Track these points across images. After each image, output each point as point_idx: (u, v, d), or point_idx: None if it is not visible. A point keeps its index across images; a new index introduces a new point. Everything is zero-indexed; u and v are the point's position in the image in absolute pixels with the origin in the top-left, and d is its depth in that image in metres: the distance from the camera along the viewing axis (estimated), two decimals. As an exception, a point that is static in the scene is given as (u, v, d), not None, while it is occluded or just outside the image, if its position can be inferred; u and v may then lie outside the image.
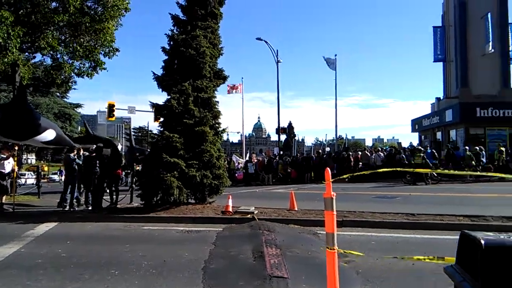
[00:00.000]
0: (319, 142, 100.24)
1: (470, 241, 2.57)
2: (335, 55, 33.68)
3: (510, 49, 27.83)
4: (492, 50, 25.98)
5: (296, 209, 10.27)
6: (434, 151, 20.72)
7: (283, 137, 44.95)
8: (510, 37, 27.80)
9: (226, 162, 14.09)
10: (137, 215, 9.97)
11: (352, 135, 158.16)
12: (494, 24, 26.17)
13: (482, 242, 2.39)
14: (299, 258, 5.94)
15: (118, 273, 5.28)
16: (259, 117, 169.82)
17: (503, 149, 20.49)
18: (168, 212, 10.08)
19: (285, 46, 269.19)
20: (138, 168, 15.42)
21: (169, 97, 11.31)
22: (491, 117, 24.41)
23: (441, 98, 31.19)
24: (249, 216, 9.31)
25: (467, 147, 21.09)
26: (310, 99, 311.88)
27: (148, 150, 13.39)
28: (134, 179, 13.43)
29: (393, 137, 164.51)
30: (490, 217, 8.25)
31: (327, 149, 40.03)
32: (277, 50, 29.51)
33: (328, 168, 4.19)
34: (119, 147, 13.28)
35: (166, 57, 11.98)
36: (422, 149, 20.34)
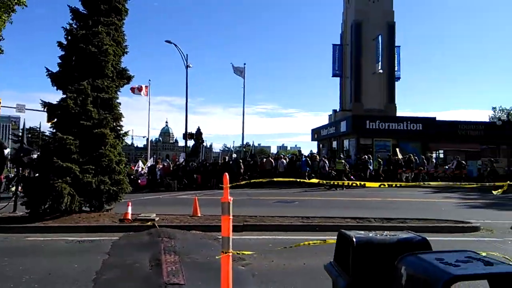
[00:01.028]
0: (226, 149, 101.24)
1: (345, 240, 2.85)
2: (244, 64, 34.55)
3: (396, 69, 31.60)
4: (381, 70, 29.17)
5: (199, 215, 10.23)
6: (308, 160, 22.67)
7: (191, 142, 44.50)
8: (396, 58, 31.56)
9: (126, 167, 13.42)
10: (21, 225, 8.96)
11: (259, 142, 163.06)
12: (384, 46, 29.45)
13: (354, 240, 2.66)
14: (198, 264, 5.93)
15: (-9, 291, 4.70)
16: (167, 122, 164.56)
17: (380, 160, 22.77)
18: (58, 221, 9.24)
19: (195, 51, 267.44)
20: (25, 173, 13.92)
21: (64, 96, 10.47)
22: (378, 129, 27.27)
23: (337, 110, 33.95)
24: (149, 223, 9.00)
25: (341, 156, 23.33)
26: (219, 106, 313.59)
27: (37, 152, 12.11)
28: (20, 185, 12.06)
29: (296, 145, 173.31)
30: (373, 219, 9.22)
31: (234, 155, 40.65)
32: (186, 55, 29.22)
33: (227, 174, 4.26)
34: (7, 150, 11.69)
35: (63, 53, 11.08)
36: (342, 157, 21.97)
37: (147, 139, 47.96)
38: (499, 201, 14.19)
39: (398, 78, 32.50)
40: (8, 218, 10.03)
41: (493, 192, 4.03)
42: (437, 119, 28.96)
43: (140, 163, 33.21)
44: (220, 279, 3.96)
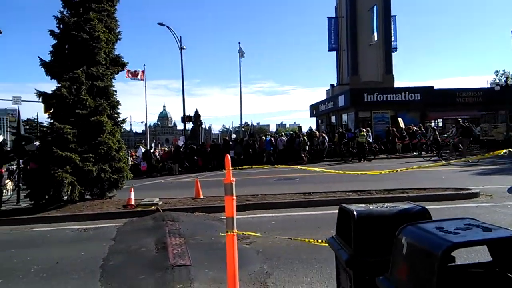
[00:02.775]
0: (226, 129, 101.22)
1: (346, 213, 2.87)
2: (239, 42, 34.19)
3: (393, 39, 31.18)
4: (376, 41, 28.78)
5: (201, 197, 10.31)
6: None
7: (189, 125, 44.40)
8: (392, 28, 31.10)
9: (127, 153, 13.43)
10: (26, 216, 9.03)
11: (258, 121, 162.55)
12: (379, 16, 28.97)
13: (355, 213, 2.68)
14: (203, 244, 6.01)
15: (1, 282, 4.77)
16: (164, 106, 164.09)
17: (364, 133, 21.87)
18: (61, 210, 9.32)
19: (189, 33, 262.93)
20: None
21: (59, 85, 10.40)
22: (376, 101, 27.15)
23: (335, 84, 33.73)
24: (152, 208, 9.08)
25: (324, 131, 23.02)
26: (216, 87, 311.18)
27: (35, 140, 12.06)
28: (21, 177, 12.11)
29: (295, 122, 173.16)
30: (374, 191, 9.29)
31: (233, 135, 40.68)
32: (180, 37, 28.80)
33: (228, 155, 4.27)
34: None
35: (55, 42, 10.95)
36: (364, 129, 21.67)
37: (146, 124, 47.84)
38: (499, 166, 14.28)
39: (395, 49, 32.13)
40: (12, 210, 10.15)
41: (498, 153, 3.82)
42: (435, 87, 28.81)
43: (141, 148, 33.20)
44: (225, 258, 4.02)
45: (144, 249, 5.87)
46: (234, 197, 3.93)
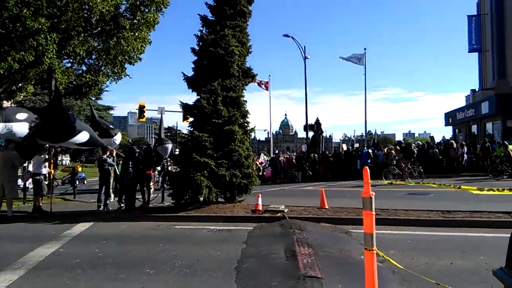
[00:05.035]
0: (347, 138, 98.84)
1: (520, 243, 2.43)
2: (364, 49, 33.21)
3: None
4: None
5: (326, 207, 10.13)
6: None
7: (310, 134, 44.49)
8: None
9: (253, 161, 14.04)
10: (169, 214, 10.12)
11: (382, 130, 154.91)
12: (533, 10, 24.93)
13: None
14: (333, 257, 5.84)
15: (153, 273, 5.37)
16: (285, 114, 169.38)
17: None
18: (198, 211, 10.18)
19: (312, 42, 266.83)
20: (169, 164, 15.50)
21: (198, 97, 11.42)
22: (530, 108, 23.25)
23: (477, 89, 30.06)
24: (279, 214, 9.26)
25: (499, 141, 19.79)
26: (338, 95, 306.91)
27: (169, 143, 13.42)
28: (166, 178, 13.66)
29: (425, 131, 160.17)
30: (533, 214, 7.84)
31: (356, 145, 39.35)
32: (304, 46, 29.35)
33: (367, 168, 4.09)
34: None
35: (196, 58, 12.05)
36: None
37: (269, 133, 49.67)
38: None
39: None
40: (158, 208, 11.52)
41: None
42: None
43: (263, 155, 34.43)
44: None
45: (274, 255, 5.98)
46: (374, 213, 3.72)
